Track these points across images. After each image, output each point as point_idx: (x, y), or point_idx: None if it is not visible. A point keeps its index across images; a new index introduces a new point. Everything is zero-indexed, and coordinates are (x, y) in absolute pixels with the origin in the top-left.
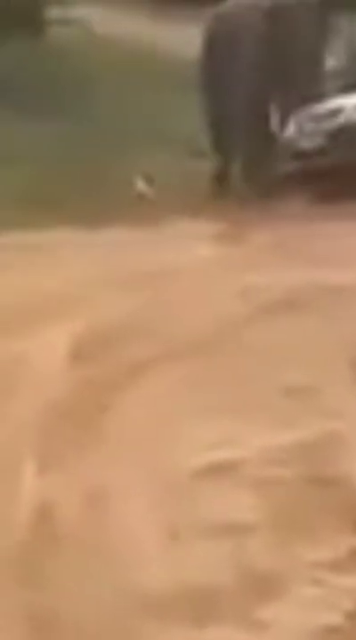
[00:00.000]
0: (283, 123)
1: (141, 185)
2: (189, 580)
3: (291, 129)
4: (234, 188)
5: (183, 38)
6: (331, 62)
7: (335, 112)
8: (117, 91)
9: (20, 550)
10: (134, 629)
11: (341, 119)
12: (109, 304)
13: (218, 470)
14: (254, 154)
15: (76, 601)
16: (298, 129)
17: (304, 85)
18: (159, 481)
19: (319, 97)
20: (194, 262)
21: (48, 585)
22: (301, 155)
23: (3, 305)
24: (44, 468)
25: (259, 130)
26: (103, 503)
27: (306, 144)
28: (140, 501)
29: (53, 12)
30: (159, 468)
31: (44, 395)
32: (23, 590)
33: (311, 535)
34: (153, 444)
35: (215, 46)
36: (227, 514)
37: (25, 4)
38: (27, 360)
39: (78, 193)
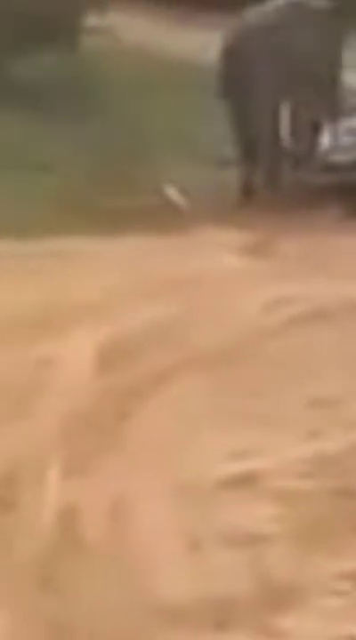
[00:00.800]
0: (295, 133)
1: (172, 193)
2: (208, 589)
3: (325, 141)
4: (261, 198)
5: (213, 45)
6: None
7: None
8: (146, 99)
9: (42, 556)
10: (153, 638)
11: None
12: (134, 312)
13: (240, 480)
14: (272, 165)
15: (96, 608)
16: (333, 142)
17: (318, 96)
18: (181, 489)
19: (338, 108)
20: (221, 272)
21: (68, 591)
22: (335, 167)
23: (29, 312)
24: (68, 474)
25: (273, 140)
26: (125, 510)
27: (341, 157)
28: (161, 509)
29: (86, 22)
30: (181, 477)
31: (69, 401)
32: (43, 595)
33: (332, 546)
34: (176, 453)
35: (231, 57)
36: (248, 524)
37: (64, 14)
38: (52, 366)
39: (106, 200)
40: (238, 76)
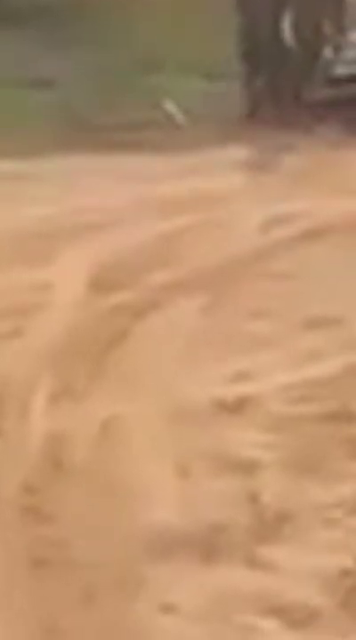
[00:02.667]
0: (298, 43)
1: (170, 107)
2: (197, 518)
3: (328, 54)
4: (264, 114)
5: None
6: None
7: None
8: (147, 15)
9: (27, 482)
10: (140, 568)
11: None
12: (132, 231)
13: (235, 404)
14: (273, 79)
15: (81, 535)
16: (336, 54)
17: (321, 6)
18: (173, 414)
19: (342, 20)
20: (221, 189)
21: (53, 517)
22: (337, 81)
23: (26, 233)
24: (57, 397)
25: (274, 53)
26: (115, 435)
27: (343, 70)
28: (152, 434)
29: None
30: (174, 401)
31: (62, 323)
32: (26, 522)
33: (326, 473)
34: (169, 376)
35: None
36: (241, 450)
37: None
38: (47, 288)
39: (108, 119)
40: None
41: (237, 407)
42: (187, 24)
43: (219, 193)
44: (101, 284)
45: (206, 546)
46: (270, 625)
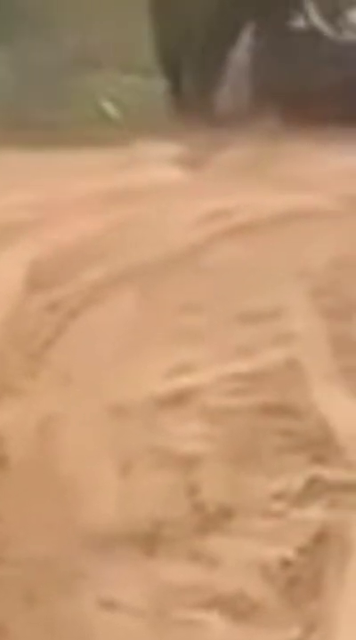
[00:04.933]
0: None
1: (107, 106)
2: (138, 514)
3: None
4: (196, 109)
5: None
6: None
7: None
8: (75, 11)
9: None
10: (81, 564)
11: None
12: (68, 227)
13: (172, 399)
14: (203, 74)
15: (21, 535)
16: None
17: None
18: (111, 410)
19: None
20: (157, 185)
21: None
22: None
23: None
24: None
25: (219, 50)
26: (54, 433)
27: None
28: (91, 431)
29: None
30: (112, 397)
31: None
32: None
33: (265, 466)
34: (107, 373)
35: None
36: (180, 445)
37: None
38: None
39: (40, 116)
40: None
41: (175, 401)
42: (120, 20)
43: (154, 188)
44: (37, 281)
45: (147, 540)
46: (211, 618)
